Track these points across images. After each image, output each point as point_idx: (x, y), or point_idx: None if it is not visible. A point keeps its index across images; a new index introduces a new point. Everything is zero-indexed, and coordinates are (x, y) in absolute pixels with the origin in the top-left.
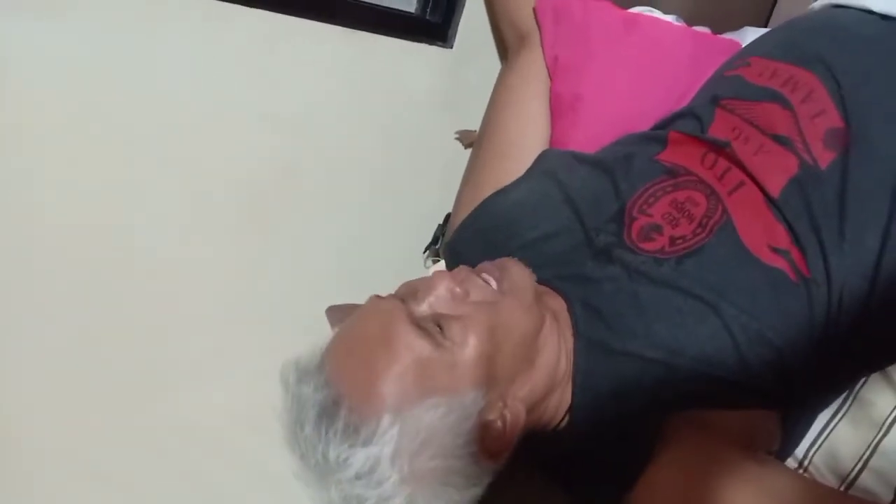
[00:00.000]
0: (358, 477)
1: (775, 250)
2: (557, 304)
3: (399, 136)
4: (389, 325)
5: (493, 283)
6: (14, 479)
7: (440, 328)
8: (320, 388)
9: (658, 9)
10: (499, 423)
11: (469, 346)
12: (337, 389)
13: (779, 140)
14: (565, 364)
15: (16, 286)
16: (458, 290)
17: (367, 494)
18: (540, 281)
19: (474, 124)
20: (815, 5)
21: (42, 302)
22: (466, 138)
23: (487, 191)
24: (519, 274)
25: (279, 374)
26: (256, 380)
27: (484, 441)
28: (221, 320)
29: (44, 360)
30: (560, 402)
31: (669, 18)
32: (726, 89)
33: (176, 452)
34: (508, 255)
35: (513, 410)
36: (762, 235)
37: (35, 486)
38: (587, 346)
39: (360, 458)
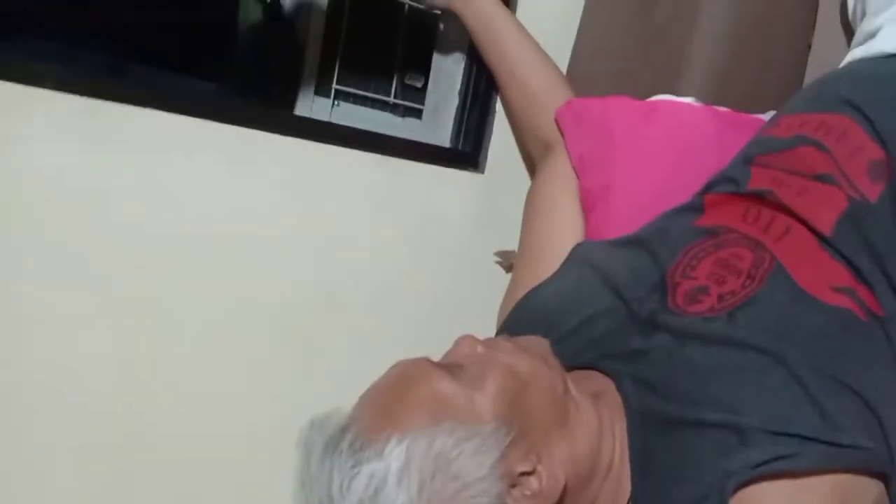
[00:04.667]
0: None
1: (837, 290)
2: (602, 384)
3: (434, 258)
4: (409, 366)
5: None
6: None
7: (461, 369)
8: (330, 424)
9: (675, 94)
10: (534, 481)
11: (488, 381)
12: (347, 420)
13: (821, 179)
14: (618, 448)
15: (43, 415)
16: (479, 348)
17: None
18: (583, 365)
19: (508, 246)
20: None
21: (68, 436)
22: (507, 259)
23: (524, 293)
24: (533, 339)
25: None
26: None
27: (514, 493)
28: (256, 451)
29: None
30: (617, 493)
31: (688, 100)
32: (758, 149)
33: None
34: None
35: (549, 469)
36: (820, 276)
37: None
38: (641, 422)
39: (363, 477)
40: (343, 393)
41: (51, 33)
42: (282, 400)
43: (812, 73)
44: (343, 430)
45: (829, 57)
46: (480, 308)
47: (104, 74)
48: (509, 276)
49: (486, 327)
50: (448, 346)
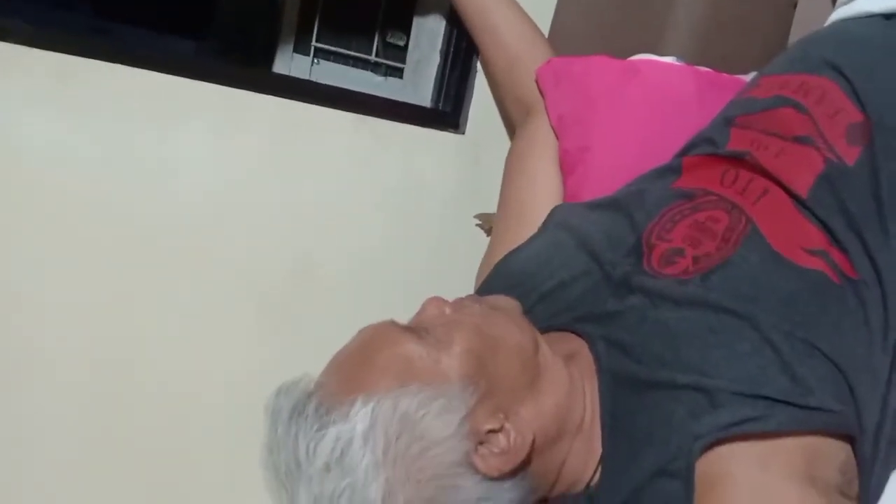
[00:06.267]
0: (327, 468)
1: (811, 252)
2: (574, 345)
3: (415, 221)
4: (375, 330)
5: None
6: None
7: (427, 332)
8: (297, 390)
9: (657, 54)
10: (502, 439)
11: (455, 343)
12: (314, 385)
13: (799, 140)
14: (589, 408)
15: (18, 394)
16: (447, 310)
17: (340, 486)
18: (556, 327)
19: (488, 208)
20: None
21: (47, 412)
22: (487, 222)
23: (502, 256)
24: (503, 299)
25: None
26: None
27: (482, 451)
28: (236, 425)
29: (46, 478)
30: (588, 453)
31: (669, 60)
32: (738, 109)
33: None
34: (527, 311)
35: (517, 426)
36: (795, 238)
37: None
38: (613, 383)
39: (329, 440)
40: (321, 358)
41: None
42: (260, 366)
43: (797, 33)
44: (309, 395)
45: (814, 17)
46: (460, 271)
47: (79, 32)
48: (489, 238)
49: (466, 290)
50: None
